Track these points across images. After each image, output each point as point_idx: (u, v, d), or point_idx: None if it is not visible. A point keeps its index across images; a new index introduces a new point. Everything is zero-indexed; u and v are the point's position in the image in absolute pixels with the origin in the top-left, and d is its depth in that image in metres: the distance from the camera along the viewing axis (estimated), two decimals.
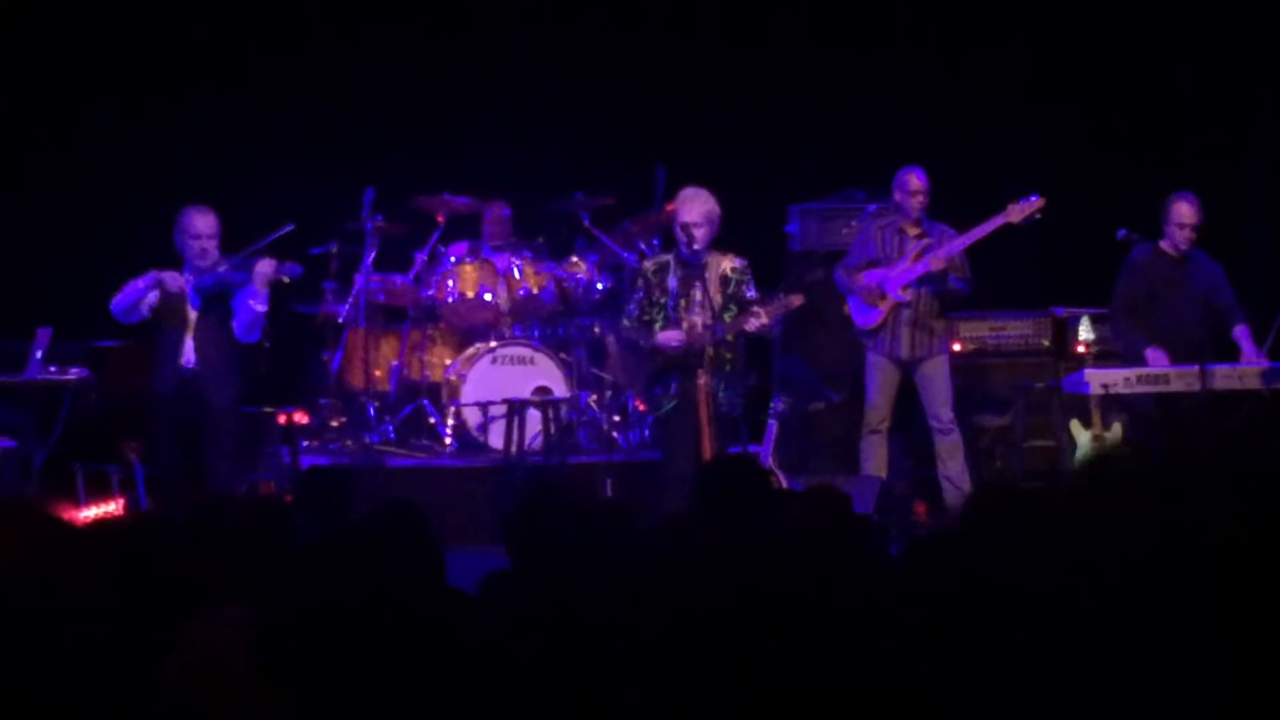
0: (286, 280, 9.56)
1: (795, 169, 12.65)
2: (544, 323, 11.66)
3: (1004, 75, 12.84)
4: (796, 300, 9.22)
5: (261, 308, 9.45)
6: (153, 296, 9.49)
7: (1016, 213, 10.16)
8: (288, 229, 9.63)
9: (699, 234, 9.14)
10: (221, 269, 9.46)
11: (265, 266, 9.40)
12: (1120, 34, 12.63)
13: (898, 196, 10.40)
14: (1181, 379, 9.93)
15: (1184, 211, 10.09)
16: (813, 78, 12.91)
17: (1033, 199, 10.16)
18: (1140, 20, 12.53)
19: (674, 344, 9.13)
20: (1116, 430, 10.05)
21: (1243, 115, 12.67)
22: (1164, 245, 10.20)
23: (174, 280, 9.46)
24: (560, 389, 11.01)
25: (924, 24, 12.90)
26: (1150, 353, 10.01)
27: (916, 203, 10.28)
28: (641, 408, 11.13)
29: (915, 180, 10.28)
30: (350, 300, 11.29)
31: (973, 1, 12.86)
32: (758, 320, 9.03)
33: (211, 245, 9.48)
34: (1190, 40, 12.47)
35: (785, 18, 12.89)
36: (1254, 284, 11.63)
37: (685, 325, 9.15)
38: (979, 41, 12.83)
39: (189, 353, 9.46)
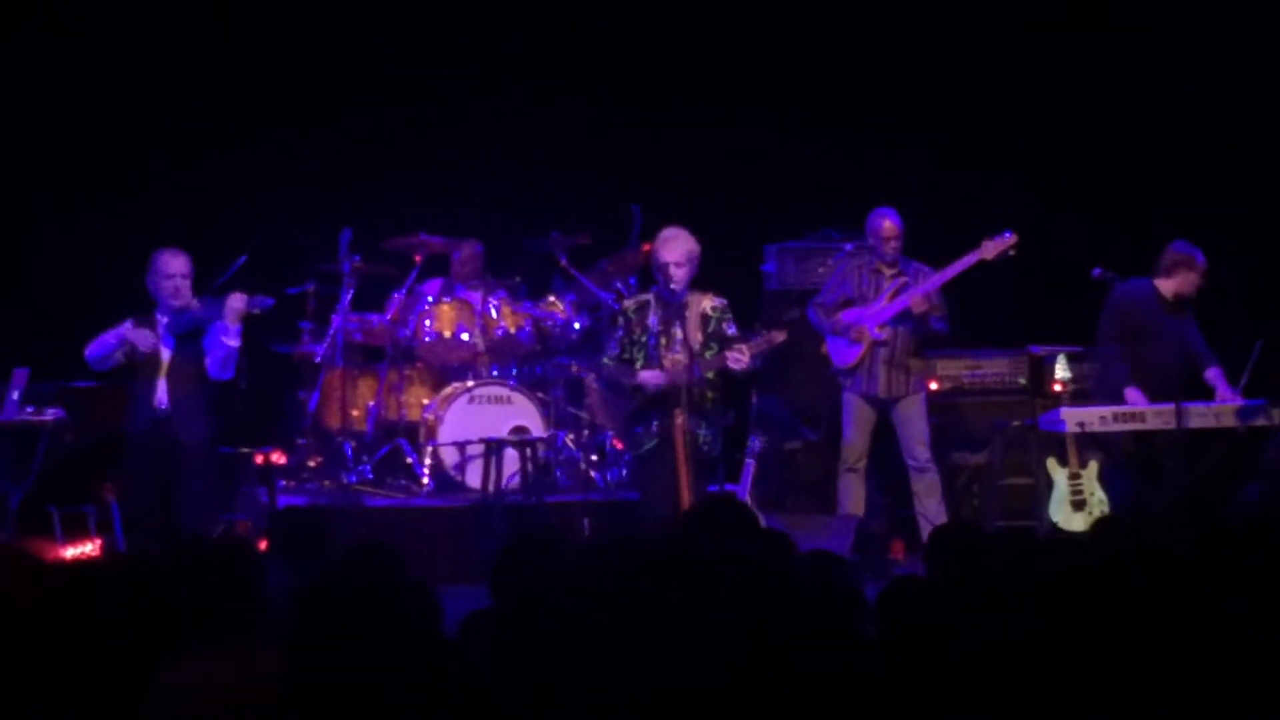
0: (258, 312, 9.54)
1: (771, 208, 12.67)
2: (521, 362, 11.66)
3: (980, 112, 12.91)
4: (779, 336, 9.24)
5: (234, 343, 9.43)
6: (151, 337, 9.48)
7: (990, 249, 10.21)
8: (241, 261, 9.59)
9: (679, 274, 9.17)
10: (194, 308, 9.47)
11: (236, 301, 9.39)
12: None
13: (871, 240, 10.45)
14: (1158, 417, 9.95)
15: (1202, 261, 10.13)
16: (788, 116, 12.95)
17: (1006, 235, 10.21)
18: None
19: (656, 383, 9.14)
20: (1093, 468, 10.07)
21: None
22: (1160, 285, 10.21)
23: (145, 340, 9.44)
24: (537, 428, 11.00)
25: (900, 61, 12.93)
26: (1130, 392, 10.03)
27: (890, 248, 10.33)
28: (619, 446, 11.14)
29: (889, 225, 10.32)
30: (327, 340, 11.27)
31: (953, 32, 12.90)
32: (740, 358, 9.04)
33: (185, 286, 9.48)
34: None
35: (760, 57, 12.92)
36: (1235, 306, 11.69)
37: (667, 363, 9.17)
38: (960, 69, 12.89)
39: (162, 393, 9.44)
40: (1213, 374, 10.19)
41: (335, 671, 3.30)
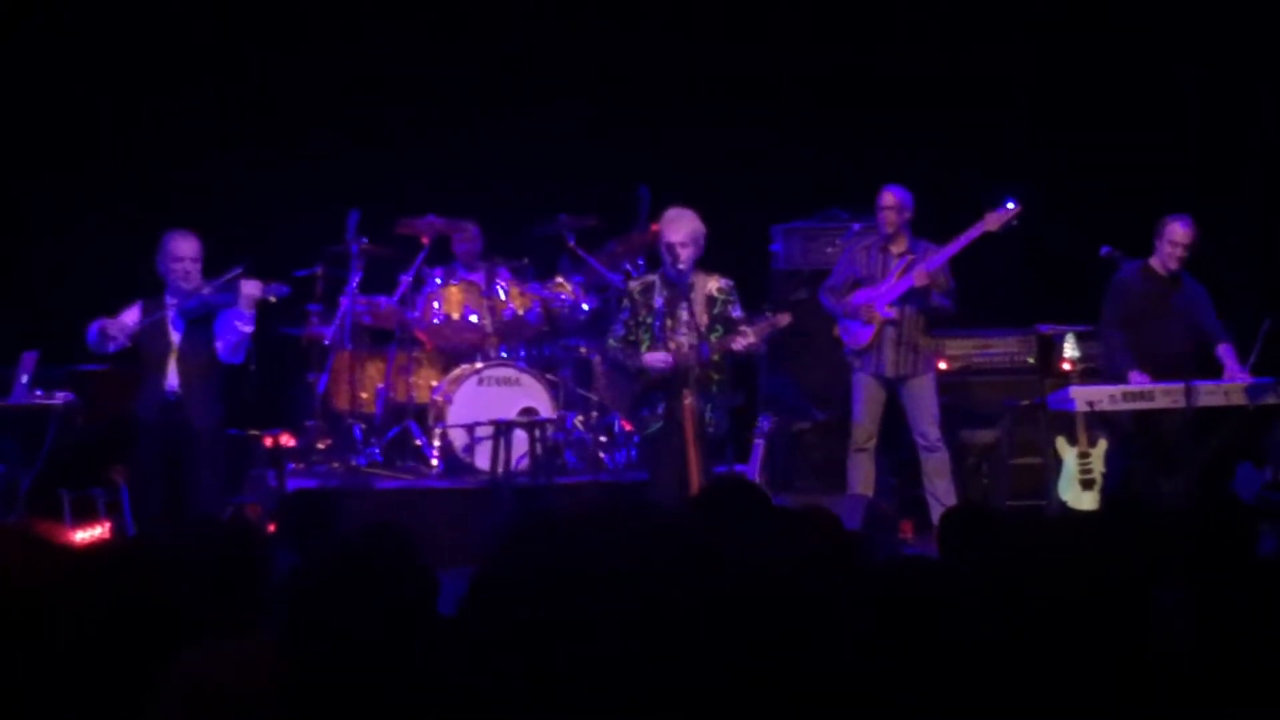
0: (273, 300, 9.54)
1: (779, 188, 12.67)
2: (530, 344, 11.66)
3: (988, 92, 12.91)
4: (784, 319, 9.24)
5: (248, 329, 9.43)
6: (129, 324, 9.49)
7: (994, 221, 10.19)
8: (237, 271, 9.52)
9: (684, 254, 9.15)
10: (205, 291, 9.46)
11: (251, 287, 9.38)
12: (1116, 37, 12.70)
13: (877, 216, 10.45)
14: (1167, 395, 9.95)
15: (1178, 231, 10.12)
16: (796, 96, 12.95)
17: (1009, 205, 10.18)
18: (1136, 22, 12.60)
19: (661, 365, 9.13)
20: (1101, 447, 10.07)
21: (1243, 116, 12.73)
22: (1153, 263, 10.22)
23: (116, 327, 9.45)
24: (546, 410, 11.00)
25: (907, 42, 12.93)
26: (1134, 376, 10.02)
27: (885, 219, 10.32)
28: (628, 428, 11.14)
29: (888, 196, 10.33)
30: (336, 322, 11.27)
31: (959, 15, 12.89)
32: (745, 340, 9.04)
33: (194, 269, 9.47)
34: (1190, 40, 12.54)
35: (768, 37, 12.92)
36: (1237, 286, 11.69)
37: (672, 345, 9.15)
38: (965, 56, 12.89)
39: (172, 377, 9.44)
40: (1222, 350, 10.18)
41: (327, 654, 3.30)
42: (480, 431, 10.95)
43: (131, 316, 9.57)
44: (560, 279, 11.63)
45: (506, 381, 11.12)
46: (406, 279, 11.54)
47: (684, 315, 9.17)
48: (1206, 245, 10.31)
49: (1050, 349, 11.29)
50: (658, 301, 9.23)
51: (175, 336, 9.49)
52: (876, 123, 12.74)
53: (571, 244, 11.65)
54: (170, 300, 9.51)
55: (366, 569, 3.76)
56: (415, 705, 3.29)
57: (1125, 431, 10.17)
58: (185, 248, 9.47)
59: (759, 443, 10.17)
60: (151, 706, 3.61)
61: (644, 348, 9.22)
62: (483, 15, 12.87)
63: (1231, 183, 12.63)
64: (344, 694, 3.30)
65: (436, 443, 11.12)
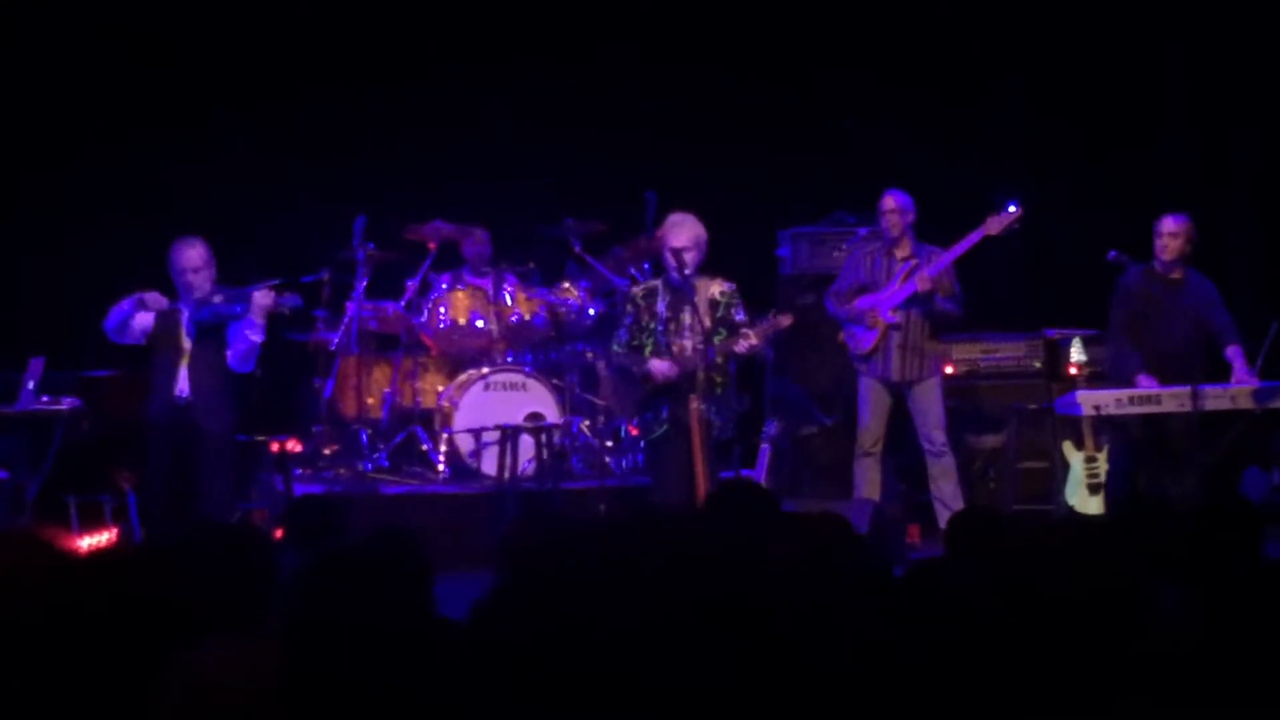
0: (287, 312, 9.54)
1: (786, 193, 12.67)
2: (536, 349, 11.66)
3: (991, 95, 12.91)
4: (785, 321, 9.24)
5: (258, 338, 9.42)
6: (147, 321, 9.46)
7: (995, 224, 10.17)
8: (273, 284, 9.51)
9: (688, 259, 9.17)
10: (217, 300, 9.44)
11: (263, 298, 9.37)
12: (1109, 36, 12.71)
13: (879, 221, 10.46)
14: (1173, 399, 9.92)
15: (1166, 224, 10.09)
16: (802, 102, 12.95)
17: (1010, 209, 10.17)
18: (1130, 20, 12.61)
19: (666, 373, 9.13)
20: (1108, 451, 10.06)
21: (1233, 128, 12.73)
22: (1156, 265, 10.21)
23: (155, 300, 9.43)
24: (553, 415, 11.00)
25: (909, 46, 12.94)
26: (1142, 379, 10.00)
27: (887, 223, 10.31)
28: (635, 432, 11.14)
29: (888, 200, 10.32)
30: (342, 328, 11.27)
31: (959, 16, 12.89)
32: (747, 341, 9.05)
33: (200, 277, 9.45)
34: (1181, 41, 12.56)
35: (775, 42, 12.93)
36: (1243, 287, 11.69)
37: (675, 349, 9.17)
38: (967, 60, 12.90)
39: (183, 382, 9.42)
40: (1232, 352, 10.11)
41: (328, 656, 3.30)
42: (486, 437, 10.95)
43: (148, 319, 9.55)
44: (567, 284, 11.63)
45: (513, 387, 11.12)
46: (413, 284, 11.55)
47: (687, 320, 9.18)
48: (1212, 245, 10.29)
49: (1057, 353, 11.29)
50: (661, 306, 9.24)
51: (188, 342, 9.48)
52: (886, 110, 12.75)
53: (578, 249, 11.65)
54: (183, 307, 9.50)
55: (368, 571, 3.77)
56: (417, 706, 3.29)
57: (1132, 435, 10.14)
58: (190, 257, 9.44)
59: (765, 447, 10.16)
60: (154, 705, 3.61)
61: (647, 353, 9.24)
62: (489, 19, 12.87)
63: (1239, 184, 12.62)
64: (345, 695, 3.30)
65: (443, 448, 11.12)
